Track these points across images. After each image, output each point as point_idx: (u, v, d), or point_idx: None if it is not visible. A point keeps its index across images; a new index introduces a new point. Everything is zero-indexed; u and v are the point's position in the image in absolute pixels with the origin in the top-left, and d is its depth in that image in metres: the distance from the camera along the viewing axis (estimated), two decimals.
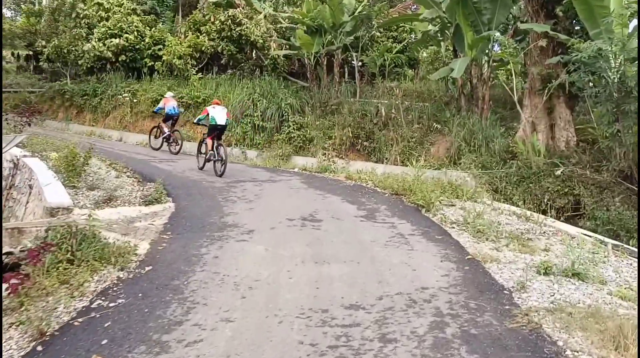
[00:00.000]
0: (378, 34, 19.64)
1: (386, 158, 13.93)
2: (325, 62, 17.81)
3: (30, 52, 24.27)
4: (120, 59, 20.13)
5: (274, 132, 16.15)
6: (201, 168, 12.03)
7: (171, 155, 14.30)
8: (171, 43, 19.36)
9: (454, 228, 7.32)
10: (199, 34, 19.92)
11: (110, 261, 5.40)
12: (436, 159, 13.07)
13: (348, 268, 5.40)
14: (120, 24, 20.40)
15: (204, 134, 12.53)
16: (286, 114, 16.13)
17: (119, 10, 21.73)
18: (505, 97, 15.02)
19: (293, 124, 15.82)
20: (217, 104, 12.31)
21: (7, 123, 12.16)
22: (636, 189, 9.38)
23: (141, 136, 18.23)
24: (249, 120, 16.45)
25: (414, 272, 5.32)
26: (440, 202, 8.61)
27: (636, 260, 6.20)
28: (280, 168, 13.47)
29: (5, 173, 10.33)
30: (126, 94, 18.83)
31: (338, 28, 17.14)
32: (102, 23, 20.84)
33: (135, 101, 18.78)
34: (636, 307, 4.48)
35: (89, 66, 20.54)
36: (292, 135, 15.63)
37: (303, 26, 17.31)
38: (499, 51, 15.46)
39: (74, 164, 8.89)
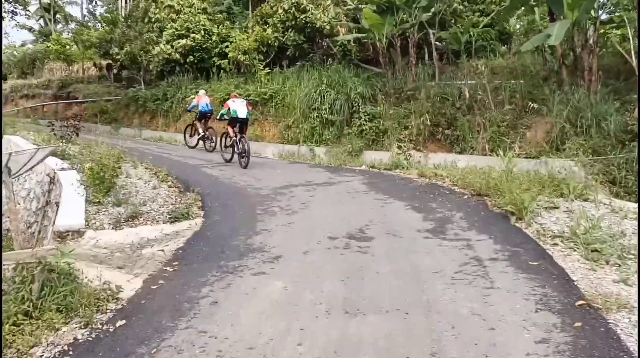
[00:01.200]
0: (461, 7, 17.24)
1: (472, 147, 11.77)
2: (398, 44, 15.82)
3: (110, 61, 24.61)
4: (188, 60, 19.54)
5: (344, 126, 14.52)
6: (229, 161, 12.45)
7: (223, 160, 13.04)
8: (236, 39, 18.40)
9: (556, 245, 5.25)
10: (265, 26, 18.81)
11: (78, 311, 4.12)
12: (533, 145, 10.72)
13: (389, 325, 3.65)
14: (187, 24, 19.81)
15: (225, 128, 13.09)
16: (356, 104, 14.43)
17: (189, 11, 21.24)
18: (618, 65, 12.15)
19: (364, 116, 14.08)
20: (237, 97, 12.71)
21: (54, 134, 11.67)
22: None
23: None
24: (316, 114, 14.95)
25: (490, 333, 3.46)
26: (537, 205, 6.49)
27: None
28: (345, 166, 11.81)
29: (43, 188, 9.68)
30: (192, 96, 18.13)
31: (412, 3, 15.06)
32: (169, 25, 20.40)
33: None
34: None
35: (158, 69, 20.23)
36: (364, 128, 13.90)
37: (372, 4, 15.46)
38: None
39: (101, 177, 7.90)
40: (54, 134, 11.22)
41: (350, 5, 16.78)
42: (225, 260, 5.23)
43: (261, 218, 6.87)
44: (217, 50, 19.40)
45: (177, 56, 19.45)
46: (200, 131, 15.32)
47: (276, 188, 8.80)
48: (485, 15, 16.81)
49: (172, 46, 19.54)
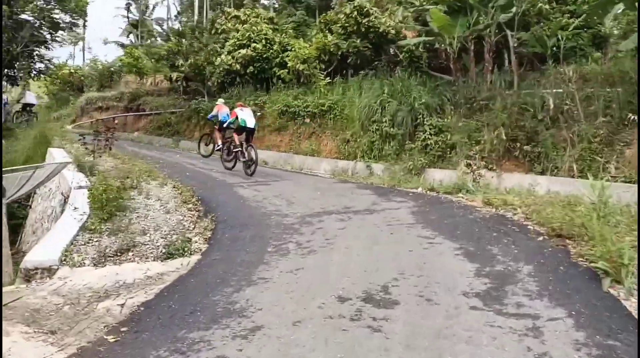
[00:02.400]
0: (547, 7, 14.95)
1: (556, 167, 9.68)
2: (472, 48, 13.88)
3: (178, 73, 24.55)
4: (248, 71, 18.74)
5: (406, 140, 12.84)
6: (230, 169, 12.70)
7: (261, 179, 11.75)
8: (295, 47, 17.32)
9: None
10: (329, 34, 17.60)
11: None
12: (634, 166, 8.52)
13: None
14: (249, 33, 19.05)
15: (226, 138, 13.47)
16: (421, 116, 12.71)
17: (255, 21, 20.56)
18: None
19: (429, 129, 12.33)
20: (243, 106, 12.86)
21: (85, 148, 11.01)
22: None
23: (264, 152, 16.42)
24: (376, 127, 13.41)
25: None
26: None
27: None
28: (399, 188, 10.14)
29: (57, 209, 8.92)
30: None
31: (488, 2, 13.11)
32: (231, 34, 19.77)
33: (258, 114, 17.05)
34: None
35: (219, 81, 19.61)
36: (428, 142, 12.17)
37: (442, 4, 13.69)
38: None
39: (103, 200, 6.91)
40: (86, 148, 10.57)
41: (416, 5, 15.10)
42: (188, 327, 3.86)
43: (268, 258, 5.47)
44: (277, 60, 18.44)
45: (238, 66, 18.71)
46: (219, 142, 14.40)
47: (306, 215, 7.37)
48: (576, 17, 14.40)
49: (233, 57, 18.84)
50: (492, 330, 3.54)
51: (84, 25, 23.22)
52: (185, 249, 5.91)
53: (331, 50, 16.91)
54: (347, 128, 14.59)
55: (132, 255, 5.86)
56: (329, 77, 16.94)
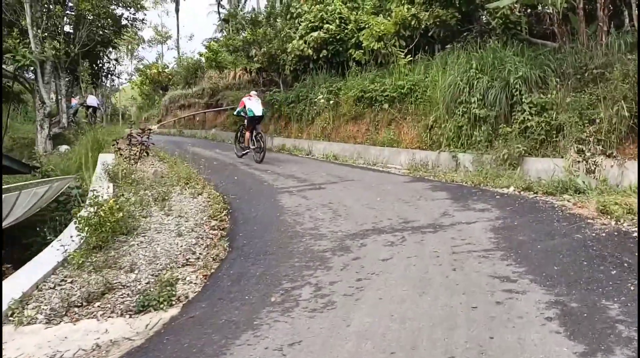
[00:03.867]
0: None
1: None
2: (581, 5, 11.25)
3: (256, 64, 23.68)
4: (322, 55, 17.25)
5: (500, 123, 10.70)
6: (240, 156, 13.71)
7: (319, 181, 10.15)
8: (372, 23, 15.52)
9: None
10: (409, 5, 15.56)
11: None
12: None
13: None
14: (321, 13, 17.53)
15: (241, 125, 14.38)
16: (517, 93, 10.49)
17: (337, 3, 18.98)
18: None
19: (529, 108, 10.09)
20: (251, 96, 13.50)
21: (120, 154, 10.15)
22: None
23: (338, 145, 14.92)
24: (463, 109, 11.38)
25: None
26: None
27: None
28: (485, 186, 8.13)
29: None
30: (321, 96, 15.77)
31: None
32: (304, 17, 18.35)
33: (331, 102, 15.56)
34: None
35: (291, 69, 18.35)
36: (528, 124, 9.97)
37: None
38: None
39: (96, 223, 5.74)
40: (120, 154, 9.72)
41: None
42: None
43: (264, 317, 3.91)
44: (353, 40, 16.77)
45: (310, 51, 17.29)
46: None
47: (348, 235, 5.75)
48: None
49: (305, 41, 17.46)
50: None
51: (142, 21, 22.78)
52: (164, 298, 4.53)
53: (412, 23, 14.92)
54: (430, 113, 12.65)
55: (99, 305, 4.59)
56: (410, 55, 14.99)
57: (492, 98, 10.79)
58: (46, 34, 16.25)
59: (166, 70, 33.38)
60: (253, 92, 14.78)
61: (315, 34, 17.01)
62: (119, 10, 21.11)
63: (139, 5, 20.90)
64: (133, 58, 43.54)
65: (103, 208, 5.70)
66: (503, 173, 9.19)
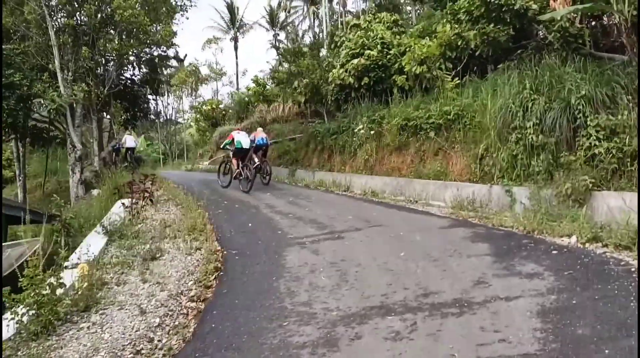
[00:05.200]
0: None
1: None
2: None
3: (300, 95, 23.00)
4: (363, 83, 16.20)
5: (561, 151, 9.10)
6: (226, 187, 14.38)
7: (341, 227, 8.78)
8: (412, 47, 14.34)
9: None
10: (454, 24, 14.26)
11: None
12: None
13: None
14: (362, 40, 16.57)
15: (224, 157, 15.40)
16: (580, 115, 8.88)
17: (370, 26, 18.03)
18: None
19: (595, 131, 8.48)
20: (240, 130, 14.41)
21: (123, 203, 9.33)
22: None
23: (380, 179, 13.64)
24: (517, 136, 9.86)
25: None
26: None
27: None
28: (541, 235, 6.56)
29: None
30: (360, 126, 14.62)
31: None
32: (344, 44, 17.46)
33: (372, 132, 14.37)
34: None
35: (333, 98, 17.39)
36: (595, 151, 8.36)
37: None
38: None
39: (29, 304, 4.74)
40: (123, 204, 8.94)
41: None
42: None
43: None
44: (396, 66, 15.62)
45: (351, 79, 16.30)
46: (256, 160, 14.58)
47: (342, 318, 4.44)
48: None
49: (346, 69, 16.51)
50: None
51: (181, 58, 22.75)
52: None
53: (458, 44, 13.60)
54: (480, 140, 11.17)
55: None
56: (457, 78, 13.62)
57: (550, 122, 9.27)
58: (76, 75, 16.36)
59: (220, 106, 33.53)
60: (259, 129, 15.37)
61: (355, 61, 16.04)
62: (150, 50, 21.15)
63: (169, 44, 20.84)
64: (197, 97, 44.40)
65: (41, 284, 4.74)
66: (566, 212, 7.61)
